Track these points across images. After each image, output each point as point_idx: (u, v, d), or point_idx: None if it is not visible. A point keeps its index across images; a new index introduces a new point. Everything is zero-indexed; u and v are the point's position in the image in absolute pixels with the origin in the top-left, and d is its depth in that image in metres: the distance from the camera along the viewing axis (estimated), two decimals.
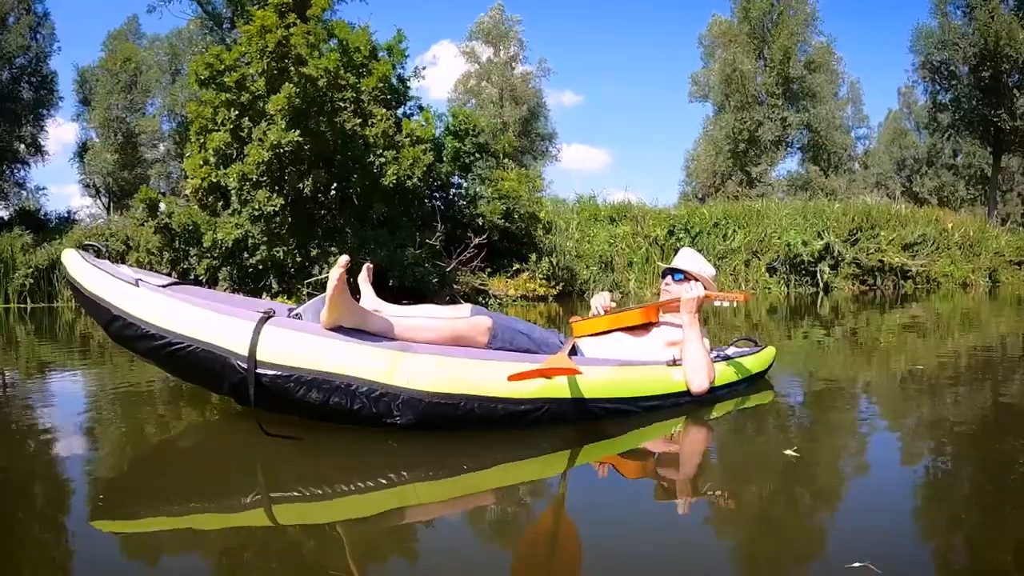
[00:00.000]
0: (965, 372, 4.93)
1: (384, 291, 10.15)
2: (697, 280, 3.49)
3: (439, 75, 62.88)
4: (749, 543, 2.02)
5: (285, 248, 10.15)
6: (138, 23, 36.85)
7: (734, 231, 16.38)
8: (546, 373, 2.78)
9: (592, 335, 3.46)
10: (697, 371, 3.24)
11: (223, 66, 10.10)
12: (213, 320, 2.83)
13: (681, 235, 15.80)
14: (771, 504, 2.31)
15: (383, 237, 10.52)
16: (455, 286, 11.23)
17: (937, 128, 32.31)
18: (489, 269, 12.03)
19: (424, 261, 10.68)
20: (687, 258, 3.64)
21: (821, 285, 15.68)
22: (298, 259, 10.29)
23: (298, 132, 9.42)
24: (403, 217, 11.19)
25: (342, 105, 10.16)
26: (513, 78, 40.00)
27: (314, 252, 10.26)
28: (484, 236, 11.51)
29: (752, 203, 19.52)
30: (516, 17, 41.17)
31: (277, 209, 9.79)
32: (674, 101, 72.24)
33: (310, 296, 9.87)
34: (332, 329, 2.80)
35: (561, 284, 12.93)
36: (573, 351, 3.19)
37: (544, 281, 12.38)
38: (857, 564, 1.72)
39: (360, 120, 10.23)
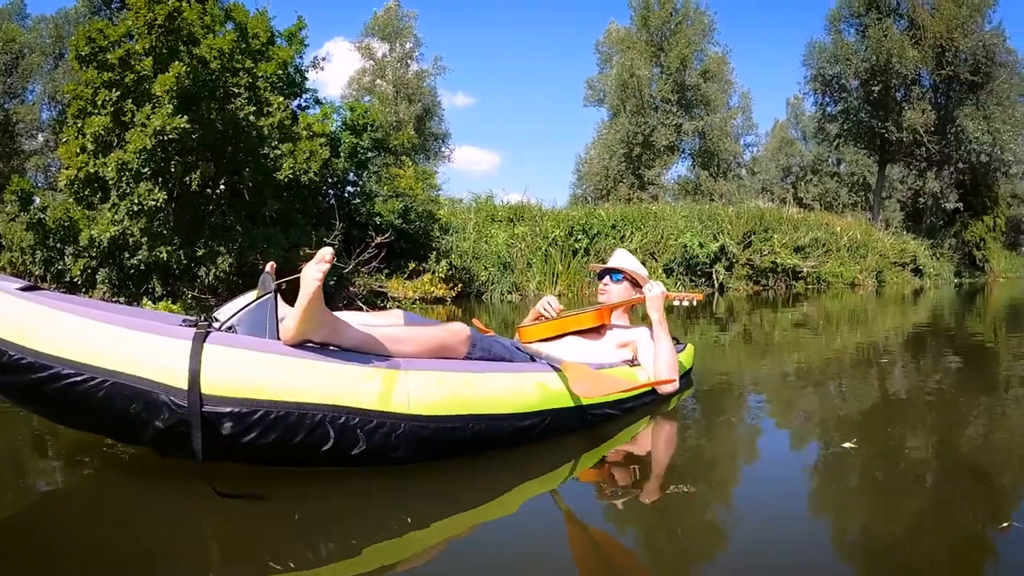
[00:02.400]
0: (852, 366, 5.20)
1: (280, 293, 9.66)
2: (645, 281, 3.55)
3: (332, 72, 61.74)
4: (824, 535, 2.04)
5: (169, 248, 9.40)
6: (23, 2, 34.78)
7: (632, 233, 16.52)
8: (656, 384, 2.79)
9: (543, 340, 3.36)
10: (672, 369, 3.22)
11: (107, 42, 9.20)
12: (125, 338, 2.04)
13: (580, 236, 15.80)
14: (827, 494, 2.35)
15: (276, 236, 9.88)
16: (350, 288, 10.84)
17: (825, 138, 33.72)
18: (387, 270, 11.68)
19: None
20: (624, 259, 3.67)
21: (716, 286, 16.03)
22: (184, 260, 9.56)
23: (185, 118, 8.64)
24: (297, 215, 10.63)
25: (236, 91, 9.50)
26: (408, 75, 39.58)
27: (201, 252, 9.53)
28: (387, 235, 11.08)
29: (649, 206, 19.88)
30: (412, 13, 40.82)
31: (160, 204, 9.04)
32: (565, 105, 73.41)
33: (196, 300, 9.33)
34: (294, 346, 2.19)
35: (460, 285, 12.71)
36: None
37: (442, 283, 12.12)
38: (1004, 524, 1.86)
39: (255, 108, 9.56)
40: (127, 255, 9.61)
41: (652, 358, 3.24)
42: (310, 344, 2.22)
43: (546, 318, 3.48)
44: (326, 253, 2.09)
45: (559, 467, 2.56)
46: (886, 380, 4.59)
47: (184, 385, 2.00)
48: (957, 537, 1.95)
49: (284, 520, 2.02)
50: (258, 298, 2.41)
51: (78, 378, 1.98)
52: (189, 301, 9.33)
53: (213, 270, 9.45)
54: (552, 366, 2.77)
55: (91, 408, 2.03)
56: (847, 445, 2.71)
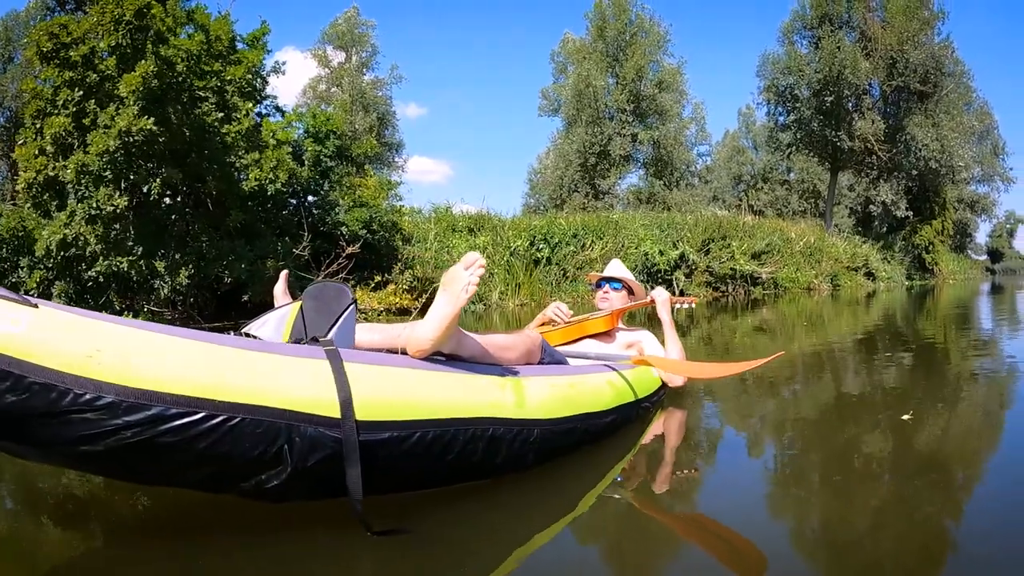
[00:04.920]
0: (816, 366, 5.44)
1: (240, 308, 9.47)
2: (639, 288, 3.87)
3: (282, 82, 61.29)
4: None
5: (130, 258, 8.97)
6: None
7: (592, 241, 16.61)
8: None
9: (563, 344, 3.56)
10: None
11: (70, 38, 8.68)
12: (243, 360, 1.65)
13: (541, 245, 15.85)
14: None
15: (240, 248, 9.59)
16: None
17: (777, 147, 34.29)
18: (352, 281, 11.52)
19: (289, 274, 9.69)
20: (620, 268, 3.96)
21: (677, 292, 16.11)
22: (144, 271, 9.12)
23: (152, 120, 8.21)
24: (262, 225, 10.33)
25: (202, 95, 9.21)
26: (363, 84, 39.40)
27: (162, 264, 9.10)
28: (358, 245, 10.93)
29: (609, 214, 20.01)
30: (371, 22, 40.75)
31: (119, 210, 8.62)
32: (516, 115, 74.17)
33: (153, 314, 9.11)
34: (423, 359, 2.03)
35: (424, 296, 12.65)
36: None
37: (407, 293, 12.04)
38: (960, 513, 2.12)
39: (222, 114, 9.27)
40: (84, 266, 9.23)
41: (663, 356, 3.48)
42: (436, 357, 2.08)
43: (557, 323, 3.69)
44: (479, 257, 1.97)
45: (624, 459, 2.74)
46: (848, 377, 4.84)
47: (334, 413, 1.69)
48: (927, 520, 2.13)
49: (439, 546, 1.86)
50: (344, 310, 2.07)
51: (192, 418, 1.52)
52: (149, 315, 9.12)
53: (172, 283, 9.17)
54: (610, 367, 2.96)
55: (205, 456, 1.56)
56: (905, 417, 3.12)
